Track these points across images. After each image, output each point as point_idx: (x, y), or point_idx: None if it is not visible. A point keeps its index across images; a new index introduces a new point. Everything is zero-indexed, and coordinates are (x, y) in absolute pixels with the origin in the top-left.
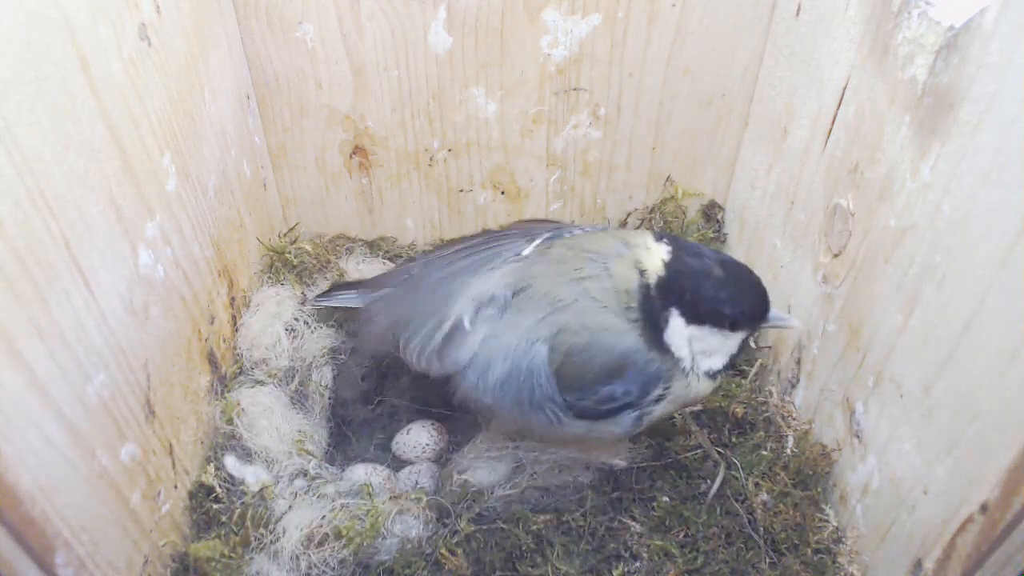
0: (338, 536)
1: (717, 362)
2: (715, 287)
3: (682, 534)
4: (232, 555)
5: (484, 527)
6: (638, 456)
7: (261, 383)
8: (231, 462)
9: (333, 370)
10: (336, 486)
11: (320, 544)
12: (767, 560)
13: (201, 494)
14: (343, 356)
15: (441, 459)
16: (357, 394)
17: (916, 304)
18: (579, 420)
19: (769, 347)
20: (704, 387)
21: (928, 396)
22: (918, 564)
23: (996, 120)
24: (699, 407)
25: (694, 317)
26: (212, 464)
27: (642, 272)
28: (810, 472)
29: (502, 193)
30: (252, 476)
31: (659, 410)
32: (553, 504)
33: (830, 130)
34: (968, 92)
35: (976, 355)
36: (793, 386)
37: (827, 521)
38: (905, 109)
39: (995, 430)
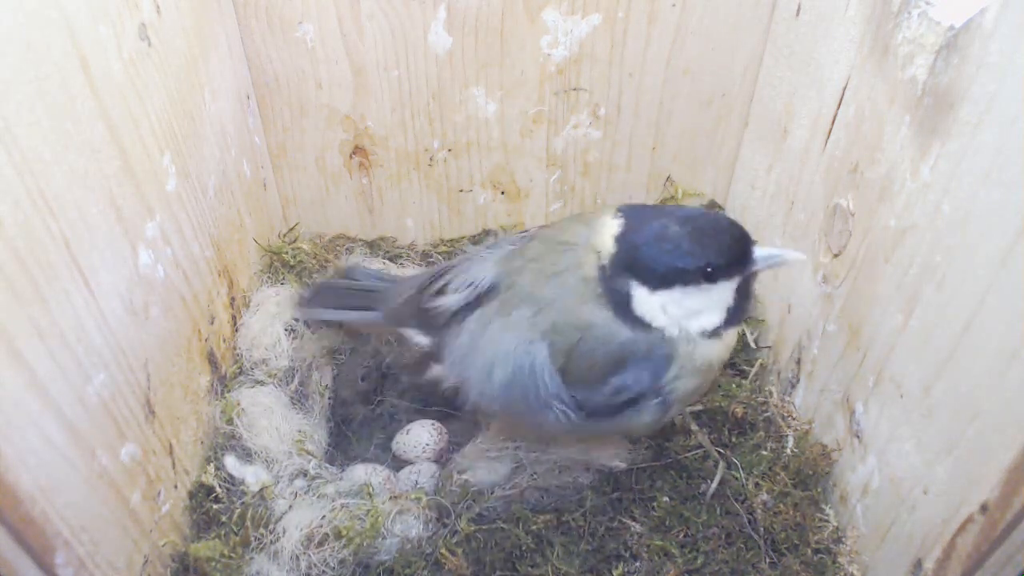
0: (338, 536)
1: (710, 320)
2: (669, 245)
3: (682, 534)
4: (232, 555)
5: (484, 527)
6: (638, 456)
7: (261, 383)
8: (231, 462)
9: (333, 370)
10: (336, 486)
11: (320, 544)
12: (767, 560)
13: (201, 494)
14: (343, 356)
15: (441, 459)
16: (357, 394)
17: (916, 304)
18: (595, 418)
19: (769, 347)
20: (710, 349)
21: (928, 396)
22: (918, 564)
23: (996, 120)
24: (699, 406)
25: (656, 282)
26: (212, 464)
27: (598, 254)
28: (810, 472)
29: (502, 193)
30: (252, 476)
31: (680, 388)
32: (553, 504)
33: (830, 130)
34: (968, 92)
35: (976, 355)
36: (793, 386)
37: (827, 521)
38: (905, 109)
39: (995, 430)
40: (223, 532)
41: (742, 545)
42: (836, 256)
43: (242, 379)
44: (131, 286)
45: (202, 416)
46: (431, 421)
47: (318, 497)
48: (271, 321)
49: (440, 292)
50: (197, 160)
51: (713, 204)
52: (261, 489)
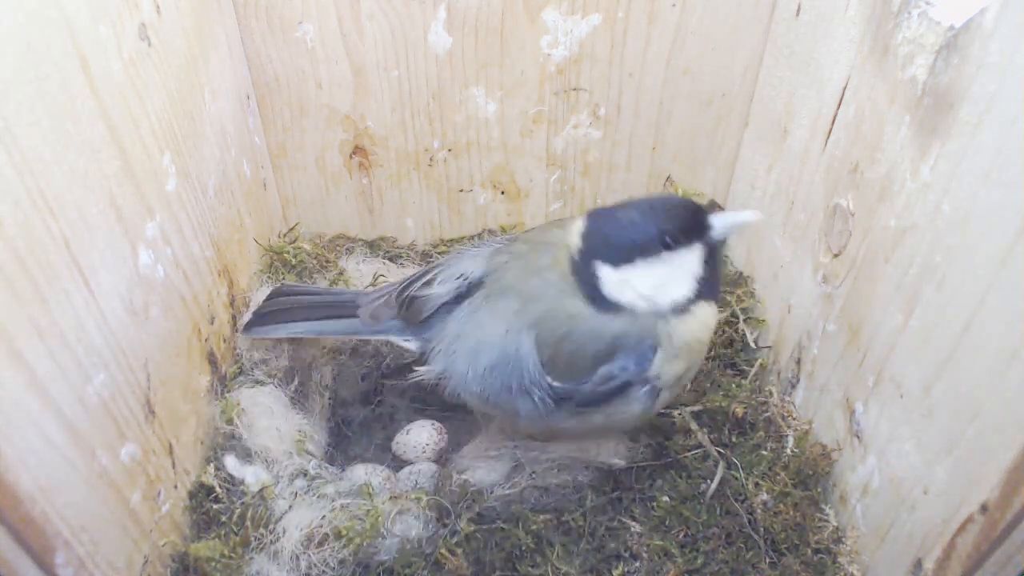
0: (338, 536)
1: (678, 291)
2: (625, 222)
3: (682, 534)
4: (232, 555)
5: (484, 527)
6: (638, 455)
7: (261, 383)
8: (231, 462)
9: (333, 370)
10: (336, 486)
11: (320, 544)
12: (767, 560)
13: (201, 494)
14: (343, 356)
15: (441, 459)
16: (357, 394)
17: (916, 304)
18: (585, 407)
19: (769, 347)
20: (686, 327)
21: (928, 396)
22: (918, 564)
23: (996, 120)
24: (699, 406)
25: (617, 258)
26: (212, 464)
27: (568, 247)
28: (810, 472)
29: (502, 193)
30: (252, 476)
31: (666, 373)
32: (553, 504)
33: (830, 130)
34: (968, 92)
35: (976, 355)
36: (793, 386)
37: (827, 521)
38: (905, 109)
39: (995, 430)
40: (223, 532)
41: (742, 545)
42: (836, 256)
43: (242, 379)
44: (131, 286)
45: (202, 416)
46: (431, 421)
47: (318, 497)
48: None
49: (428, 284)
50: (197, 160)
51: (713, 204)
52: (261, 489)
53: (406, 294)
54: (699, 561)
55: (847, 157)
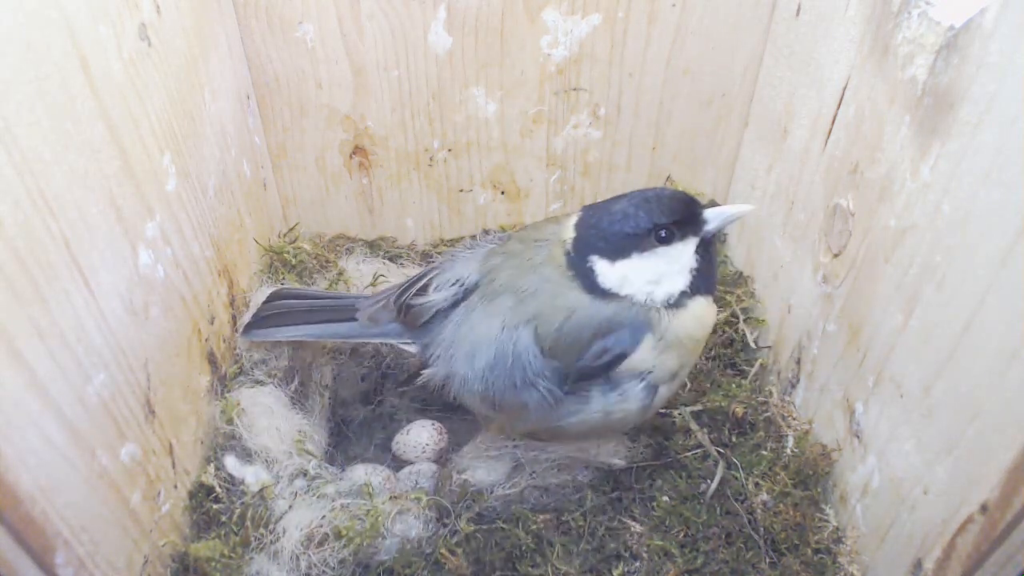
0: (338, 536)
1: (674, 284)
2: (619, 215)
3: (682, 534)
4: (232, 555)
5: (484, 527)
6: (638, 455)
7: (261, 383)
8: (231, 462)
9: (333, 370)
10: (336, 486)
11: (320, 544)
12: (767, 560)
13: (201, 494)
14: (343, 356)
15: (441, 459)
16: (357, 394)
17: (916, 304)
18: (582, 383)
19: (769, 347)
20: (680, 321)
21: (928, 396)
22: (918, 564)
23: (996, 120)
24: (699, 406)
25: (613, 253)
26: (212, 464)
27: (563, 242)
28: (810, 472)
29: (502, 193)
30: (252, 476)
31: (660, 366)
32: (553, 503)
33: (830, 130)
34: (968, 92)
35: (976, 355)
36: (793, 386)
37: (827, 521)
38: (905, 109)
39: (995, 430)
40: (223, 532)
41: (742, 545)
42: (836, 256)
43: (242, 379)
44: (131, 286)
45: (202, 416)
46: (431, 421)
47: (318, 497)
48: None
49: (423, 291)
50: (197, 160)
51: (713, 204)
52: (261, 489)
53: (403, 300)
54: (699, 561)
55: (847, 157)
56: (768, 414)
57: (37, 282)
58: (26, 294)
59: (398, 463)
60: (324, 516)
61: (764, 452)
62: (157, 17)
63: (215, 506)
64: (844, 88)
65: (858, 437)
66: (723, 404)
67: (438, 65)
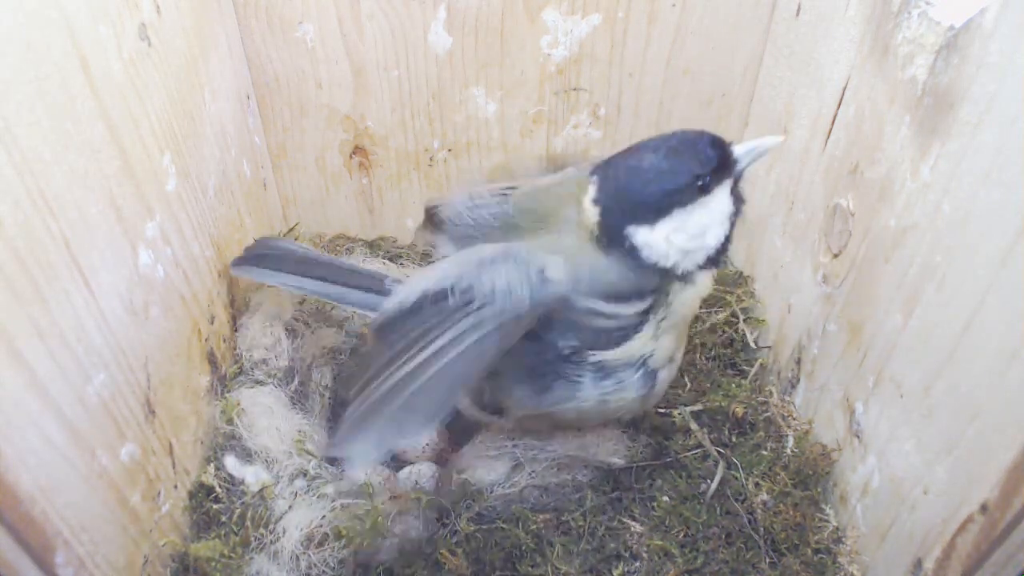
0: (338, 536)
1: (715, 236)
2: (651, 174)
3: (682, 534)
4: (232, 555)
5: (484, 527)
6: (638, 455)
7: (261, 383)
8: (231, 462)
9: (333, 370)
10: (336, 486)
11: (320, 544)
12: (767, 560)
13: (201, 494)
14: (343, 356)
15: (441, 459)
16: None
17: (916, 304)
18: (575, 377)
19: (769, 347)
20: (686, 297)
21: (928, 396)
22: (918, 564)
23: (996, 120)
24: (699, 406)
25: (653, 215)
26: (212, 464)
27: (586, 225)
28: (810, 472)
29: None
30: (252, 476)
31: (659, 351)
32: (552, 503)
33: (830, 130)
34: (968, 92)
35: (976, 355)
36: (793, 386)
37: (827, 521)
38: (905, 109)
39: (995, 430)
40: (223, 532)
41: (742, 545)
42: (836, 256)
43: (242, 379)
44: (131, 286)
45: (202, 416)
46: None
47: (318, 497)
48: (271, 321)
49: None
50: (197, 160)
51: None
52: (261, 489)
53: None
54: (699, 561)
55: (847, 157)
56: (768, 414)
57: (37, 282)
58: (26, 294)
59: (398, 463)
60: (324, 516)
61: (764, 452)
62: (157, 17)
63: (215, 506)
64: (844, 88)
65: (858, 437)
66: (723, 404)
67: (438, 65)
